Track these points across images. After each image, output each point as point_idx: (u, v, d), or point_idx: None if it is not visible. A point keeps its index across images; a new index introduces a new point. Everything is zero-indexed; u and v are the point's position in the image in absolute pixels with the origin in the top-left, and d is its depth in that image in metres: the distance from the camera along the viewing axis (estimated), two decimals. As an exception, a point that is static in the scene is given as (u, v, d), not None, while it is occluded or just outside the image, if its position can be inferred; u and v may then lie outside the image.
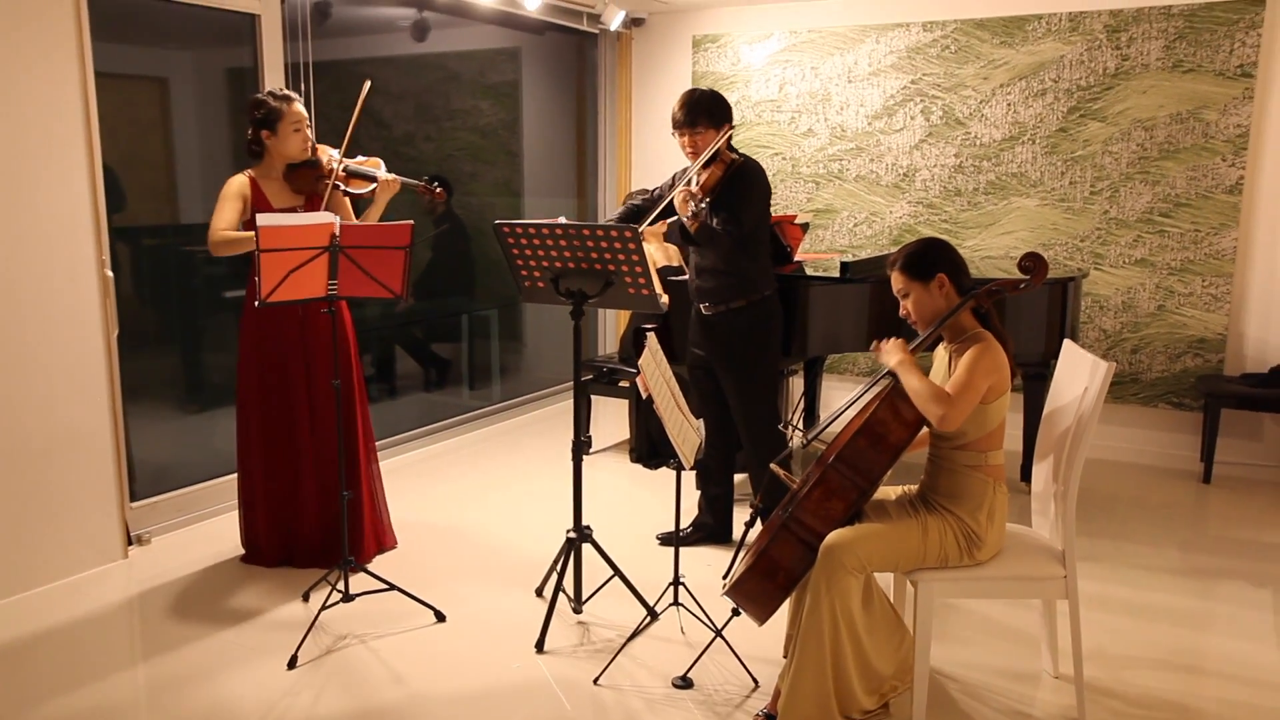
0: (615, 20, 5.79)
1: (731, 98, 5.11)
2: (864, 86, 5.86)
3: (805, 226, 5.23)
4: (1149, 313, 5.34)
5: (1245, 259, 5.13)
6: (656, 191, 3.85)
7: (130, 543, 3.89)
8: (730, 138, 3.65)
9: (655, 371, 2.96)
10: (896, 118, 5.80)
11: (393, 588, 3.38)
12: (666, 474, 4.94)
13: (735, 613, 2.89)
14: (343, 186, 3.62)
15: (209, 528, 4.17)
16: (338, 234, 3.06)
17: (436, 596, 3.43)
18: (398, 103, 5.42)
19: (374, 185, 3.60)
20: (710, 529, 4.02)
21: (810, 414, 5.64)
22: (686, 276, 3.93)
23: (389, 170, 3.67)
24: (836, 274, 4.23)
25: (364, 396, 3.82)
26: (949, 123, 5.66)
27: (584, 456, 3.30)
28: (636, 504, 4.55)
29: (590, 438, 3.36)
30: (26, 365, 3.46)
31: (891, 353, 2.63)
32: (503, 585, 3.63)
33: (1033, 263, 2.61)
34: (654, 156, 6.63)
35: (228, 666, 3.03)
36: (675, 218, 3.61)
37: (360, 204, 3.73)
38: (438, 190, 3.60)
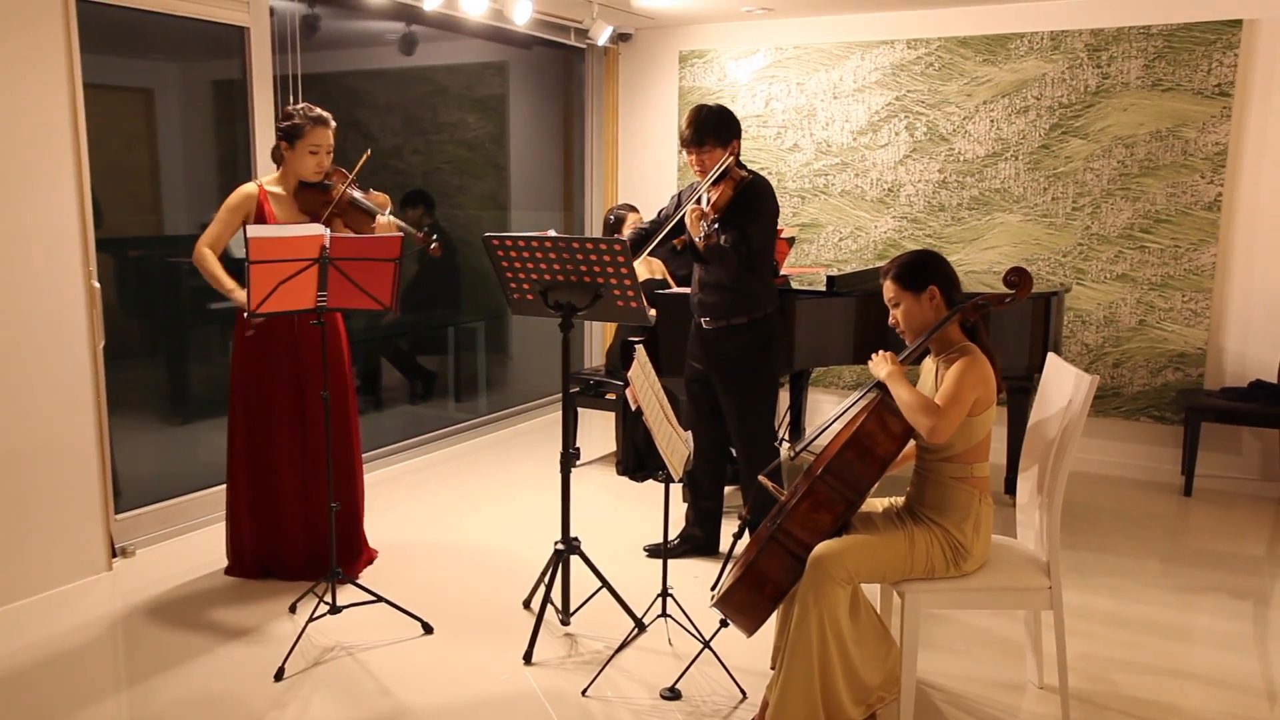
0: (602, 35, 5.83)
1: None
2: (849, 102, 5.92)
3: (791, 241, 5.27)
4: (1130, 327, 5.40)
5: (1224, 274, 5.20)
6: (662, 214, 3.85)
7: (115, 555, 3.87)
8: (738, 154, 3.65)
9: (644, 384, 2.97)
10: (881, 133, 5.86)
11: (380, 599, 3.37)
12: (654, 486, 4.95)
13: (723, 624, 2.90)
14: (343, 218, 3.61)
15: (194, 540, 4.15)
16: (327, 246, 3.07)
17: (424, 608, 3.43)
18: (385, 115, 5.43)
19: (373, 224, 3.57)
20: (698, 541, 4.03)
21: (796, 426, 5.67)
22: (672, 290, 3.94)
23: (392, 212, 3.63)
24: (823, 288, 4.26)
25: (356, 408, 3.82)
26: (933, 139, 5.72)
27: (571, 468, 3.31)
28: (624, 516, 4.56)
29: (579, 449, 3.36)
30: (12, 376, 3.45)
31: (881, 365, 2.66)
32: (490, 597, 3.62)
33: (1018, 277, 2.65)
34: (640, 170, 6.67)
35: (214, 679, 3.01)
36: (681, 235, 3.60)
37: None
38: (434, 247, 3.51)
